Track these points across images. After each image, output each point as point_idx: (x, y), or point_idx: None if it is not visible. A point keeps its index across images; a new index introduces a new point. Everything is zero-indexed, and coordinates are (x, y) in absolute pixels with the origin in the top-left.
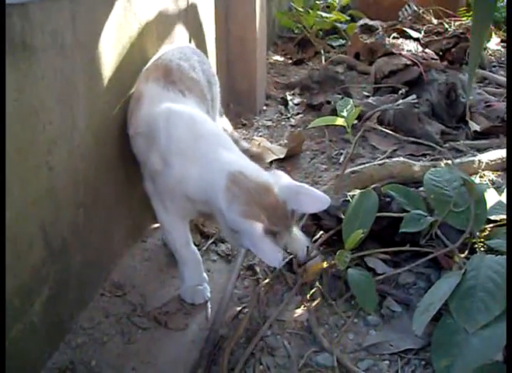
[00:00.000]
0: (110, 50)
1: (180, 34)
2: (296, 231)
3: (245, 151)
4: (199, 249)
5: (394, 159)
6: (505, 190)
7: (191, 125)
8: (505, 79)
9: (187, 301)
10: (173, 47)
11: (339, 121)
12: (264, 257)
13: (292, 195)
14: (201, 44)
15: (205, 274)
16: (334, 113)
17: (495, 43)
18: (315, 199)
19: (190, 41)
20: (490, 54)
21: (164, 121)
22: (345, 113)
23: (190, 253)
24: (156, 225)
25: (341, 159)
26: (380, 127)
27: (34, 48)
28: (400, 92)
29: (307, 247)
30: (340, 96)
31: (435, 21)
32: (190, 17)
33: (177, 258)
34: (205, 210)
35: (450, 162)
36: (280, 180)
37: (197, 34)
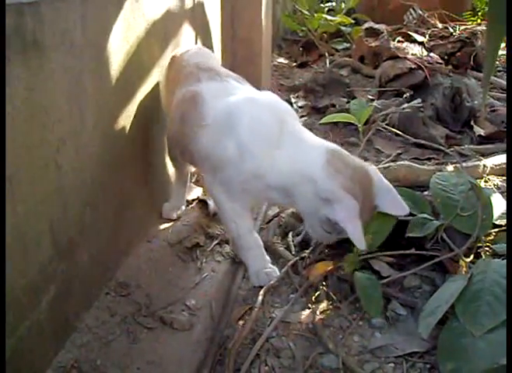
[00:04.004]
0: (119, 49)
1: (186, 35)
2: None
3: None
4: (204, 250)
5: (398, 163)
6: None
7: (275, 111)
8: None
9: (256, 285)
10: (197, 49)
11: (352, 118)
12: (354, 236)
13: (384, 192)
14: (207, 46)
15: (267, 256)
16: None
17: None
18: (399, 204)
19: (196, 42)
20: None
21: (246, 110)
22: (357, 111)
23: (254, 239)
24: (163, 227)
25: None
26: (390, 128)
27: (45, 47)
28: (405, 95)
29: None
30: (345, 99)
31: (440, 25)
32: (197, 19)
33: (240, 245)
34: (277, 198)
35: (458, 165)
36: (375, 173)
37: (203, 36)
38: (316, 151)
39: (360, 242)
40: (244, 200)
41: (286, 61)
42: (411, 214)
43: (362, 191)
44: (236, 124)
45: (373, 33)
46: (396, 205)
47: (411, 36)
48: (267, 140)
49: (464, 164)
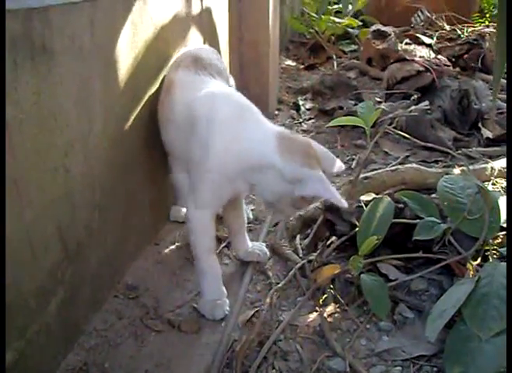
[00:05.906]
0: (127, 53)
1: (194, 38)
2: None
3: None
4: None
5: (406, 165)
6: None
7: (236, 107)
8: None
9: (208, 318)
10: (195, 47)
11: (359, 122)
12: (335, 198)
13: (324, 157)
14: (214, 48)
15: (223, 288)
16: None
17: None
18: (337, 164)
19: (204, 45)
20: None
21: (208, 106)
22: (365, 114)
23: (210, 263)
24: (170, 229)
25: (353, 165)
26: (397, 131)
27: (53, 52)
28: (412, 98)
29: None
30: (352, 102)
31: (448, 27)
32: (204, 21)
33: (197, 268)
34: (242, 187)
35: (465, 168)
36: (315, 143)
37: (211, 38)
38: (266, 138)
39: (341, 202)
40: (210, 202)
41: (294, 64)
42: (418, 217)
43: (316, 161)
44: (199, 124)
45: (381, 35)
46: (334, 165)
47: (418, 38)
48: (226, 134)
49: (471, 167)
